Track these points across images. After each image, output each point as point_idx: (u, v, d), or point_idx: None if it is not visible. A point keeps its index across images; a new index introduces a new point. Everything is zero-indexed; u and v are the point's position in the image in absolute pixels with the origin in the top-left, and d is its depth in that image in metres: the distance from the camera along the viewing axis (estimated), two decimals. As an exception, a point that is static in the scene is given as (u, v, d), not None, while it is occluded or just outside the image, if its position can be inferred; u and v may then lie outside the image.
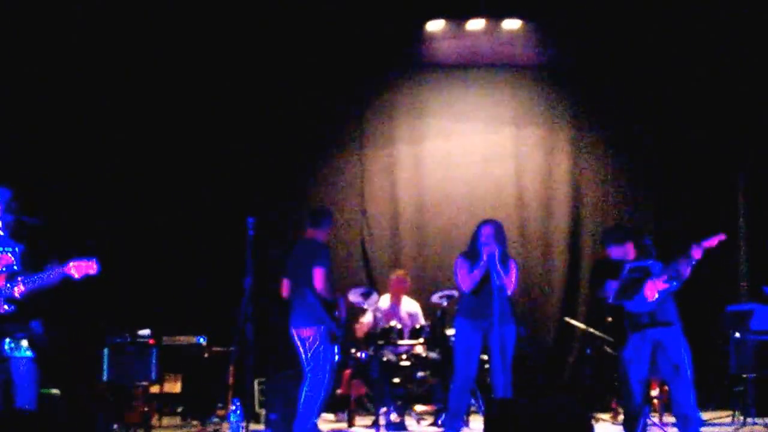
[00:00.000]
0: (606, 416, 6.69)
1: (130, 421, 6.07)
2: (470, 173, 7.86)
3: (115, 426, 6.00)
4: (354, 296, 6.14)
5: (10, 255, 4.63)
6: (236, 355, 6.46)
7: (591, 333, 6.87)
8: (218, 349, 6.64)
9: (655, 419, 6.11)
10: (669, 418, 6.02)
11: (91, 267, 4.51)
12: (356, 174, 7.81)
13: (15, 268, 4.61)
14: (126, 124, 7.29)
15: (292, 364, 5.74)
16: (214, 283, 6.98)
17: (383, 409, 6.10)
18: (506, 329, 5.38)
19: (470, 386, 5.60)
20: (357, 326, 6.61)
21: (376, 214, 7.80)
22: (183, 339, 6.63)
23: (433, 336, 6.33)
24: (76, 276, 4.50)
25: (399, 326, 6.36)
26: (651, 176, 7.90)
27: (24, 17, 6.88)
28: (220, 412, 6.53)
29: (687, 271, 5.18)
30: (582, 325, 7.06)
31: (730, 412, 6.51)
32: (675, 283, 5.21)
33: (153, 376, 6.19)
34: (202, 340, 6.66)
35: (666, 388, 5.99)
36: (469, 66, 7.89)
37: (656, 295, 5.18)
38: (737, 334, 6.52)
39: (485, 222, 5.55)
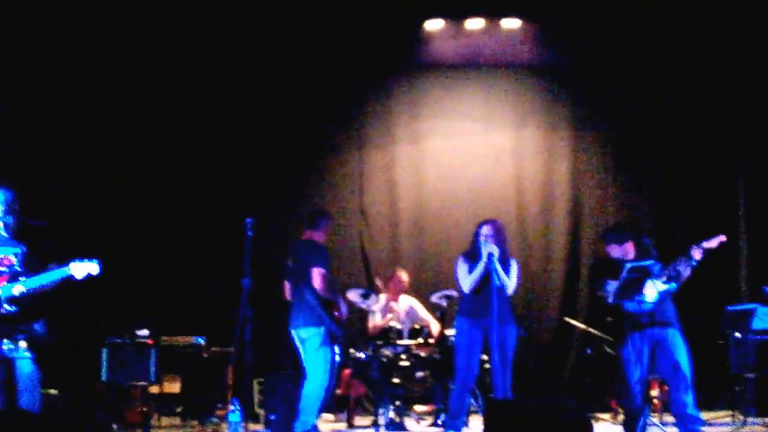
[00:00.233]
0: (606, 416, 6.69)
1: (130, 421, 6.06)
2: (469, 173, 7.86)
3: (115, 426, 5.99)
4: (353, 296, 6.13)
5: (12, 256, 4.64)
6: (235, 356, 6.47)
7: (591, 333, 6.87)
8: (217, 349, 6.64)
9: (655, 419, 6.10)
10: (669, 418, 6.01)
11: (92, 268, 4.53)
12: (355, 174, 7.81)
13: (17, 269, 4.63)
14: (126, 124, 7.29)
15: (292, 364, 5.74)
16: (213, 284, 6.97)
17: (383, 410, 6.10)
18: (506, 329, 5.38)
19: (471, 386, 5.60)
20: (371, 326, 6.59)
21: (375, 215, 7.80)
22: (182, 339, 6.63)
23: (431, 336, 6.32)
24: (78, 277, 4.52)
25: (398, 326, 6.35)
26: (651, 176, 7.89)
27: (24, 17, 6.88)
28: (220, 413, 6.52)
29: (687, 272, 5.18)
30: (582, 325, 7.05)
31: (730, 412, 6.51)
32: (675, 284, 5.21)
33: (152, 376, 6.19)
34: (201, 340, 6.66)
35: (666, 388, 5.99)
36: (469, 66, 7.89)
37: (656, 296, 5.18)
38: (737, 334, 6.51)
39: (485, 222, 5.55)
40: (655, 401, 6.56)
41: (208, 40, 7.35)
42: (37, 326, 4.65)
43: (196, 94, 7.43)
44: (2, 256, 4.63)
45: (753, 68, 7.55)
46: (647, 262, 5.16)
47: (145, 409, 6.17)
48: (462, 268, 5.51)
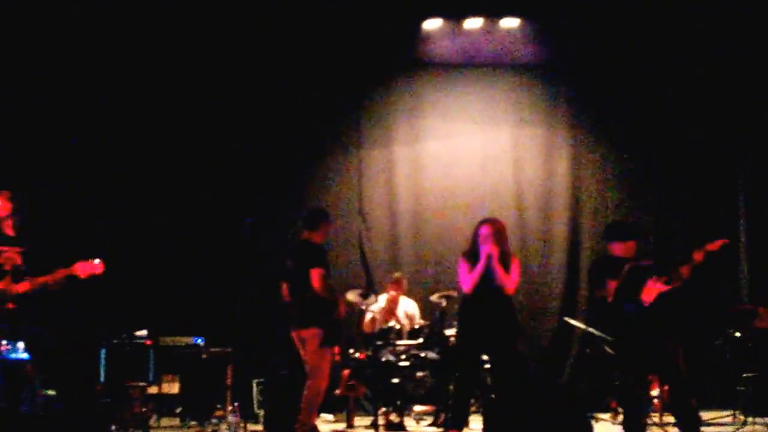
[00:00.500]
0: (606, 416, 6.68)
1: (128, 422, 6.05)
2: (469, 173, 7.85)
3: (113, 427, 5.99)
4: (352, 297, 6.13)
5: (17, 255, 4.66)
6: (234, 356, 6.47)
7: (591, 333, 6.87)
8: (216, 349, 6.64)
9: (655, 419, 6.10)
10: (669, 418, 6.00)
11: (96, 267, 4.55)
12: (354, 174, 7.80)
13: (21, 268, 4.64)
14: (126, 124, 7.29)
15: (291, 364, 5.74)
16: (212, 284, 6.97)
17: (382, 410, 6.09)
18: (506, 329, 5.37)
19: (472, 386, 5.58)
20: (365, 324, 6.59)
21: (374, 215, 7.79)
22: (181, 340, 6.62)
23: (432, 336, 6.32)
24: (82, 276, 4.54)
25: (398, 326, 6.35)
26: (651, 176, 7.89)
27: (24, 17, 6.88)
28: (219, 413, 6.52)
29: (687, 273, 5.17)
30: (582, 325, 7.05)
31: (730, 412, 6.50)
32: (676, 286, 5.20)
33: (150, 376, 6.18)
34: (200, 340, 6.65)
35: (666, 388, 5.98)
36: (467, 65, 7.88)
37: (655, 297, 5.17)
38: (738, 334, 6.51)
39: (484, 221, 5.54)
40: (655, 401, 6.56)
41: (208, 40, 7.35)
42: (42, 330, 4.68)
43: (196, 94, 7.44)
44: (7, 255, 4.65)
45: (753, 68, 7.55)
46: (647, 263, 5.15)
47: (143, 409, 6.15)
48: (463, 268, 5.50)
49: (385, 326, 6.37)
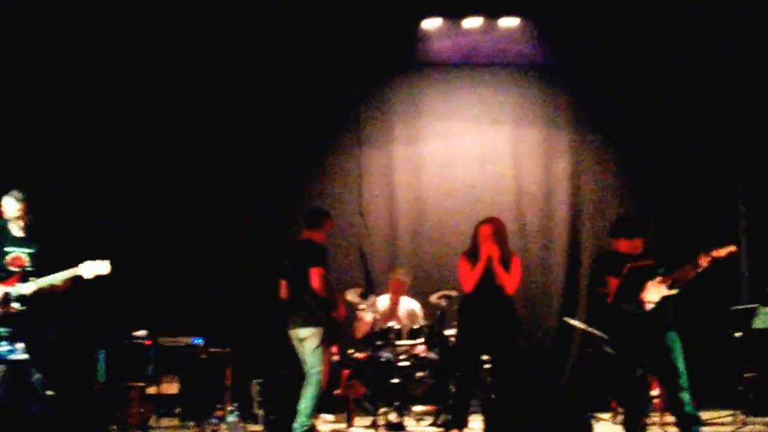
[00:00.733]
0: (606, 416, 6.68)
1: (127, 422, 6.05)
2: (468, 173, 7.85)
3: (112, 427, 5.98)
4: (352, 297, 6.13)
5: (25, 256, 4.67)
6: (234, 356, 6.46)
7: (591, 333, 6.86)
8: (216, 349, 6.63)
9: (655, 419, 6.09)
10: (669, 418, 6.00)
11: (103, 267, 4.56)
12: (354, 174, 7.79)
13: (29, 269, 4.65)
14: (126, 124, 7.29)
15: (290, 364, 5.74)
16: (212, 284, 6.96)
17: (382, 410, 6.08)
18: (507, 329, 5.37)
19: (472, 386, 5.57)
20: (356, 326, 6.60)
21: (373, 215, 7.79)
22: (180, 340, 6.62)
23: (432, 336, 6.31)
24: (88, 276, 4.55)
25: (397, 326, 6.34)
26: (651, 176, 7.89)
27: (24, 17, 6.88)
28: (218, 413, 6.52)
29: (691, 278, 5.17)
30: (582, 325, 7.05)
31: (730, 412, 6.50)
32: (678, 290, 5.20)
33: (150, 377, 6.17)
34: (199, 340, 6.65)
35: (665, 387, 5.97)
36: (467, 65, 7.88)
37: (657, 301, 5.16)
38: (738, 334, 6.50)
39: (484, 221, 5.54)
40: (655, 401, 6.56)
41: (208, 40, 7.35)
42: (43, 330, 4.68)
43: (196, 94, 7.44)
44: (15, 255, 4.66)
45: (753, 68, 7.55)
46: (648, 262, 5.14)
47: (143, 409, 6.15)
48: (463, 267, 5.50)
49: (384, 326, 6.36)
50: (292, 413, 5.48)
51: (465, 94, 7.94)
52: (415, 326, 6.48)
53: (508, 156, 7.93)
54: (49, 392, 4.99)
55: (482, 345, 5.48)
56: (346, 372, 6.53)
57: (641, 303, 5.16)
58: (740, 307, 6.76)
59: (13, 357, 4.57)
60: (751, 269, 7.59)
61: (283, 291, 5.67)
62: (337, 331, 5.58)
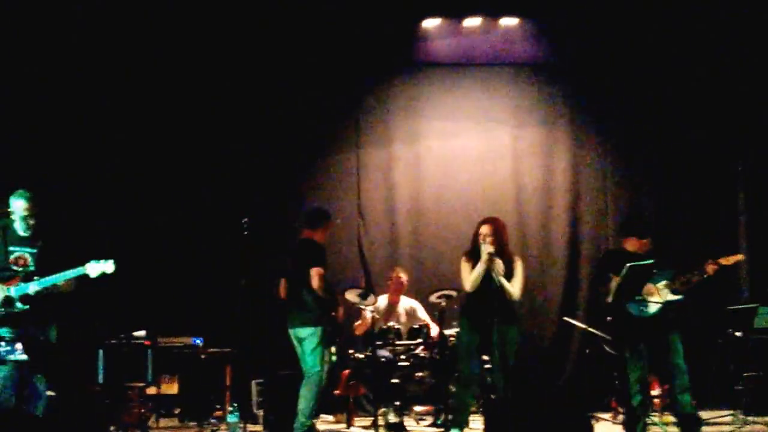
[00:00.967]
0: (606, 416, 6.68)
1: (127, 422, 6.04)
2: (468, 172, 7.84)
3: (112, 428, 5.98)
4: (351, 296, 6.12)
5: (27, 256, 4.67)
6: (233, 356, 6.46)
7: (591, 333, 6.86)
8: (215, 349, 6.63)
9: (656, 419, 6.09)
10: (669, 418, 6.00)
11: (108, 267, 4.56)
12: (353, 174, 7.79)
13: (31, 269, 4.65)
14: (126, 124, 7.29)
15: (290, 364, 5.73)
16: (211, 284, 6.96)
17: (382, 410, 6.08)
18: (507, 329, 5.37)
19: (473, 385, 5.57)
20: (356, 325, 6.60)
21: (373, 214, 7.78)
22: (179, 340, 6.61)
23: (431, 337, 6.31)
24: (93, 275, 4.56)
25: (397, 326, 6.34)
26: (651, 176, 7.88)
27: (24, 17, 6.88)
28: (218, 414, 6.51)
29: (695, 283, 5.17)
30: (582, 325, 7.05)
31: (731, 411, 6.49)
32: (682, 296, 5.20)
33: (149, 377, 6.16)
34: (198, 341, 6.65)
35: (666, 387, 5.98)
36: (467, 64, 7.88)
37: (660, 306, 5.15)
38: (738, 333, 6.50)
39: (484, 221, 5.54)
40: (655, 401, 6.55)
41: (208, 40, 7.35)
42: (44, 331, 4.68)
43: (196, 94, 7.44)
44: (18, 255, 4.66)
45: (753, 68, 7.55)
46: (647, 262, 5.14)
47: (142, 410, 6.15)
48: (464, 267, 5.50)
49: (384, 326, 6.36)
50: (292, 413, 5.48)
51: (465, 94, 7.93)
52: (415, 326, 6.48)
53: (507, 155, 7.93)
54: (50, 393, 4.99)
55: (484, 344, 5.47)
56: (345, 372, 6.53)
57: (643, 304, 5.15)
58: (740, 306, 6.75)
59: (13, 357, 4.57)
60: (751, 269, 7.58)
61: (283, 291, 5.67)
62: (336, 331, 5.57)
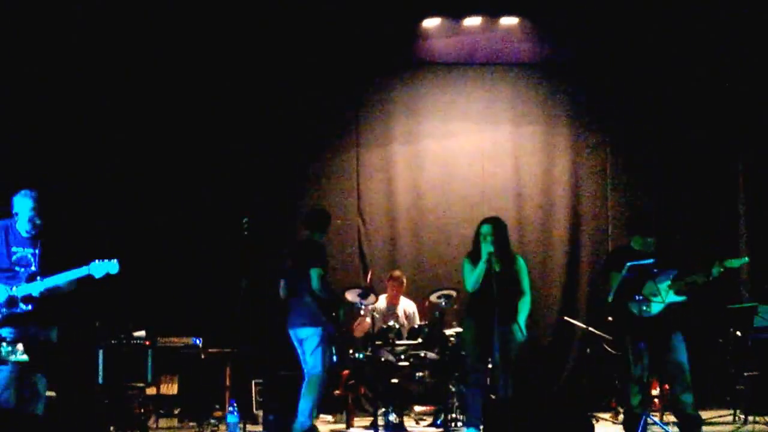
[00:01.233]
0: (606, 416, 6.68)
1: (127, 423, 6.04)
2: (468, 172, 7.85)
3: (112, 428, 5.98)
4: (351, 297, 6.12)
5: (30, 256, 4.67)
6: (233, 356, 6.46)
7: (591, 333, 6.86)
8: (215, 350, 6.63)
9: (656, 419, 6.09)
10: (669, 418, 6.00)
11: (112, 267, 4.56)
12: (353, 173, 7.79)
13: (33, 268, 4.64)
14: (126, 124, 7.29)
15: (290, 364, 5.73)
16: (211, 284, 6.96)
17: (382, 410, 6.08)
18: (508, 329, 5.37)
19: (482, 384, 5.53)
20: (355, 326, 6.60)
21: (373, 214, 7.79)
22: (179, 340, 6.61)
23: (432, 336, 6.31)
24: (97, 276, 4.55)
25: (397, 326, 6.34)
26: (651, 176, 7.88)
27: (24, 17, 6.88)
28: (218, 414, 6.51)
29: (699, 285, 5.18)
30: (582, 325, 7.05)
31: (731, 411, 6.49)
32: (685, 297, 5.20)
33: (149, 377, 6.15)
34: (198, 341, 6.64)
35: (666, 387, 5.98)
36: (467, 64, 7.88)
37: (662, 307, 5.15)
38: (738, 333, 6.50)
39: (485, 220, 5.54)
40: (656, 401, 6.55)
41: (208, 40, 7.35)
42: (49, 333, 4.68)
43: (196, 94, 7.43)
44: (20, 255, 4.66)
45: (753, 68, 7.55)
46: (647, 261, 5.14)
47: (142, 410, 6.14)
48: (467, 268, 5.50)
49: (384, 326, 6.35)
50: (292, 413, 5.48)
51: (465, 94, 7.93)
52: (415, 326, 6.48)
53: (507, 155, 7.93)
54: (50, 393, 4.98)
55: (487, 344, 5.46)
56: (345, 372, 6.53)
57: (645, 304, 5.14)
58: (740, 306, 6.75)
59: (14, 358, 4.57)
60: (752, 269, 7.57)
61: (281, 291, 5.66)
62: (336, 331, 5.56)
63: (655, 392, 6.58)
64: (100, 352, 6.08)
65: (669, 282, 5.18)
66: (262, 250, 5.97)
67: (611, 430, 6.24)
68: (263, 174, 7.53)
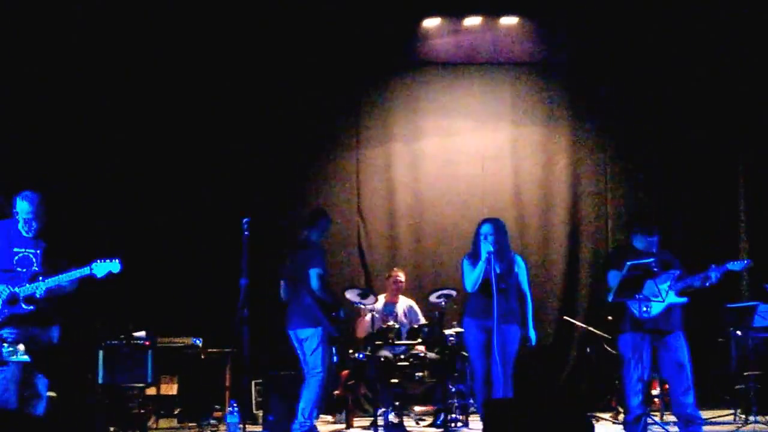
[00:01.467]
0: (606, 416, 6.67)
1: (127, 423, 6.04)
2: (467, 172, 7.85)
3: (111, 429, 5.97)
4: (352, 297, 6.12)
5: (32, 256, 4.67)
6: (233, 357, 6.45)
7: (591, 332, 6.86)
8: (215, 350, 6.63)
9: (656, 418, 6.09)
10: (669, 417, 6.00)
11: (114, 267, 4.56)
12: (353, 173, 7.79)
13: (35, 269, 4.64)
14: (126, 124, 7.29)
15: (290, 365, 5.73)
16: (211, 284, 6.96)
17: (382, 410, 6.08)
18: (509, 328, 5.37)
19: (490, 382, 5.53)
20: (357, 324, 6.59)
21: (373, 214, 7.79)
22: (179, 340, 6.61)
23: (432, 336, 6.31)
24: (99, 275, 4.55)
25: (397, 326, 6.34)
26: (651, 176, 7.89)
27: (24, 17, 6.88)
28: (217, 414, 6.51)
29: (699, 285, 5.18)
30: (582, 325, 7.05)
31: (731, 411, 6.49)
32: (686, 298, 5.19)
33: (149, 378, 6.15)
34: (198, 341, 6.64)
35: (666, 387, 5.98)
36: (467, 63, 7.89)
37: (662, 308, 5.14)
38: (738, 332, 6.50)
39: (484, 221, 5.54)
40: (656, 400, 6.55)
41: (208, 40, 7.35)
42: (51, 333, 4.68)
43: (196, 94, 7.44)
44: (22, 256, 4.66)
45: (753, 68, 7.55)
46: (647, 260, 5.13)
47: (142, 410, 6.14)
48: (466, 268, 5.50)
49: (384, 326, 6.35)
50: (292, 413, 5.48)
51: (464, 93, 7.94)
52: (415, 325, 6.47)
53: (507, 154, 7.93)
54: (51, 393, 4.98)
55: (486, 342, 5.46)
56: (345, 372, 6.52)
57: (645, 304, 5.14)
58: (740, 305, 6.75)
59: (15, 358, 4.57)
60: (752, 268, 7.57)
61: (282, 292, 5.66)
62: (336, 331, 5.56)
63: (655, 392, 6.58)
64: (100, 352, 6.08)
65: (670, 282, 5.18)
66: (261, 250, 5.97)
67: (611, 430, 6.23)
68: (263, 174, 7.53)
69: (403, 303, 6.90)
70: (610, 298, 5.24)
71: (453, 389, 6.26)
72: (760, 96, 7.57)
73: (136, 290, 6.78)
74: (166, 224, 7.26)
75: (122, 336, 6.18)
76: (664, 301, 5.12)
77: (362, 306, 6.20)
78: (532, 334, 5.45)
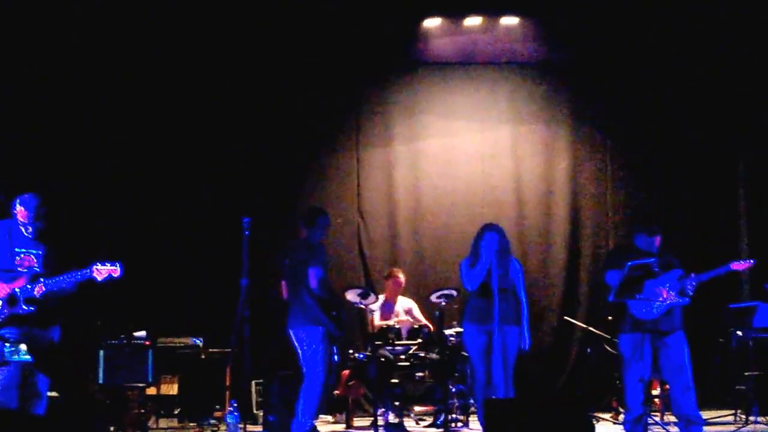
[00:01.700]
0: (607, 416, 6.68)
1: (127, 423, 6.04)
2: (468, 172, 7.85)
3: (111, 429, 5.97)
4: (352, 297, 6.12)
5: (33, 257, 4.67)
6: (233, 357, 6.45)
7: (591, 332, 6.86)
8: (215, 350, 6.63)
9: (656, 418, 6.09)
10: (670, 417, 6.00)
11: (114, 270, 4.56)
12: (353, 173, 7.80)
13: (36, 269, 4.64)
14: (126, 124, 7.29)
15: (290, 365, 5.73)
16: (212, 284, 6.96)
17: (381, 410, 6.08)
18: (509, 329, 5.37)
19: (491, 384, 5.52)
20: (370, 323, 6.58)
21: (373, 213, 7.79)
22: (179, 340, 6.60)
23: (432, 336, 6.31)
24: (99, 279, 4.55)
25: (397, 326, 6.34)
26: (651, 176, 7.89)
27: (24, 17, 6.88)
28: (218, 414, 6.51)
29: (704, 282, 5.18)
30: (582, 325, 7.05)
31: (732, 411, 6.49)
32: (687, 299, 5.19)
33: (149, 378, 6.15)
34: (198, 341, 6.64)
35: (667, 387, 5.98)
36: (467, 63, 7.89)
37: (663, 308, 5.14)
38: (739, 332, 6.50)
39: (489, 228, 5.55)
40: (656, 400, 6.55)
41: (208, 40, 7.35)
42: (51, 334, 4.68)
43: (196, 94, 7.44)
44: (23, 256, 4.66)
45: (753, 68, 7.55)
46: (648, 260, 5.13)
47: (142, 410, 6.14)
48: (465, 269, 5.50)
49: (384, 326, 6.35)
50: (292, 413, 5.48)
51: (465, 93, 7.94)
52: (415, 325, 6.47)
53: (507, 155, 7.93)
54: (51, 393, 4.98)
55: (487, 342, 5.46)
56: (345, 372, 6.52)
57: (646, 304, 5.14)
58: (741, 305, 6.75)
59: (16, 358, 4.57)
60: (752, 269, 7.57)
61: (283, 291, 5.66)
62: (336, 331, 5.56)
63: (655, 392, 6.58)
64: (101, 352, 6.08)
65: (671, 283, 5.18)
66: (262, 250, 5.98)
67: (611, 430, 6.24)
68: (263, 174, 7.53)
69: (402, 303, 6.89)
70: (610, 298, 5.24)
71: (453, 389, 6.26)
72: (760, 96, 7.57)
73: (137, 290, 6.77)
74: (166, 224, 7.26)
75: (122, 336, 6.18)
76: (666, 303, 5.12)
77: (362, 306, 6.20)
78: (527, 338, 5.47)
